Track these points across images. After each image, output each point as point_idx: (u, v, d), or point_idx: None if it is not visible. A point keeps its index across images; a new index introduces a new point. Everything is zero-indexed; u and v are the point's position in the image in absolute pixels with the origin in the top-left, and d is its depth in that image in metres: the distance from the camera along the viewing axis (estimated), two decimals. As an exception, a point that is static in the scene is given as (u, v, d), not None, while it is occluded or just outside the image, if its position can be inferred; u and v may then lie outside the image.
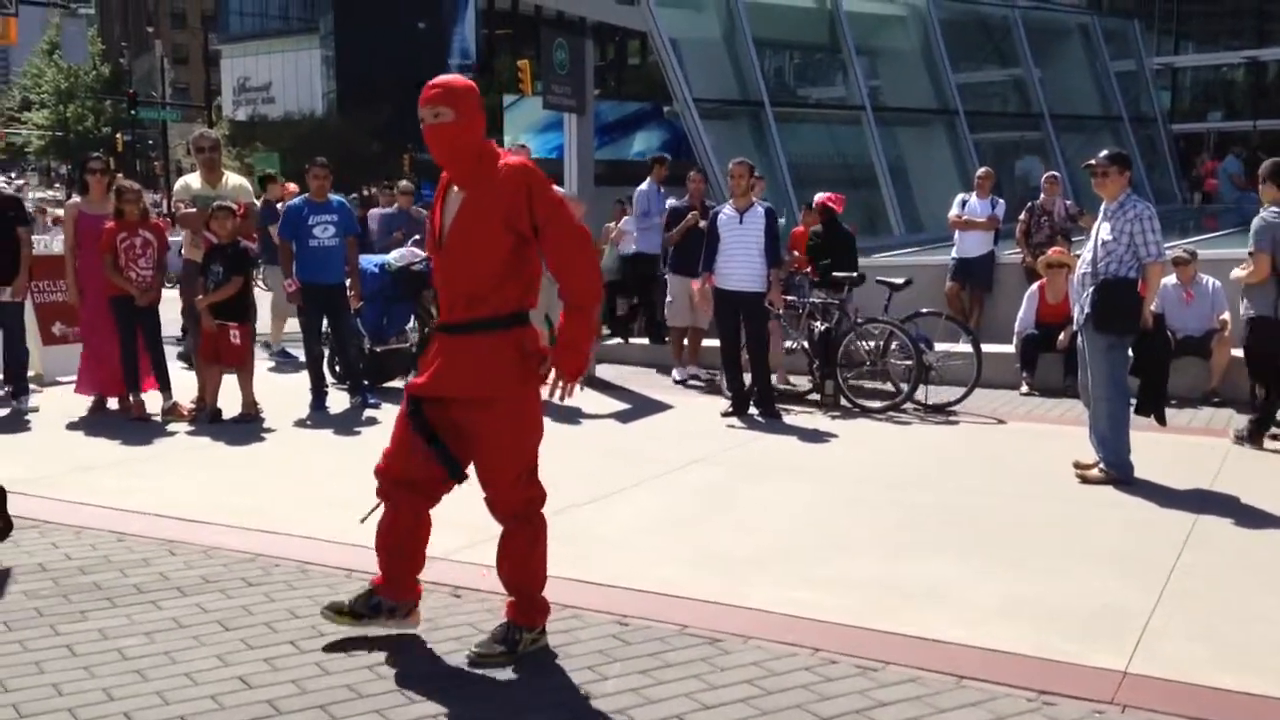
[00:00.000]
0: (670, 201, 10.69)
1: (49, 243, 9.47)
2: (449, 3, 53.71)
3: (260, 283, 11.34)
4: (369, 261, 9.60)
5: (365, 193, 34.10)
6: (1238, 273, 7.25)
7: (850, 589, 4.59)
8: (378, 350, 9.43)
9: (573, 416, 8.40)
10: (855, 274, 9.26)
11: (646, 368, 10.95)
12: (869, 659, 3.87)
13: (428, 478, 3.91)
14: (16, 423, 7.95)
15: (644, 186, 11.07)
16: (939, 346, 9.12)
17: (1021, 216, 11.90)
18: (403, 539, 4.00)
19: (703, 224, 9.30)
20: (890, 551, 5.13)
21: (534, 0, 12.72)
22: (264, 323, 10.44)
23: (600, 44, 10.51)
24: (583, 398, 9.24)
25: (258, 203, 9.05)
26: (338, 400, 8.68)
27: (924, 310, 9.38)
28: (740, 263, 8.44)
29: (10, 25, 22.24)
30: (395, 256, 9.69)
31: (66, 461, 6.69)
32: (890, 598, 4.50)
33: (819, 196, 10.34)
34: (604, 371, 10.45)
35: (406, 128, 46.89)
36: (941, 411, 8.51)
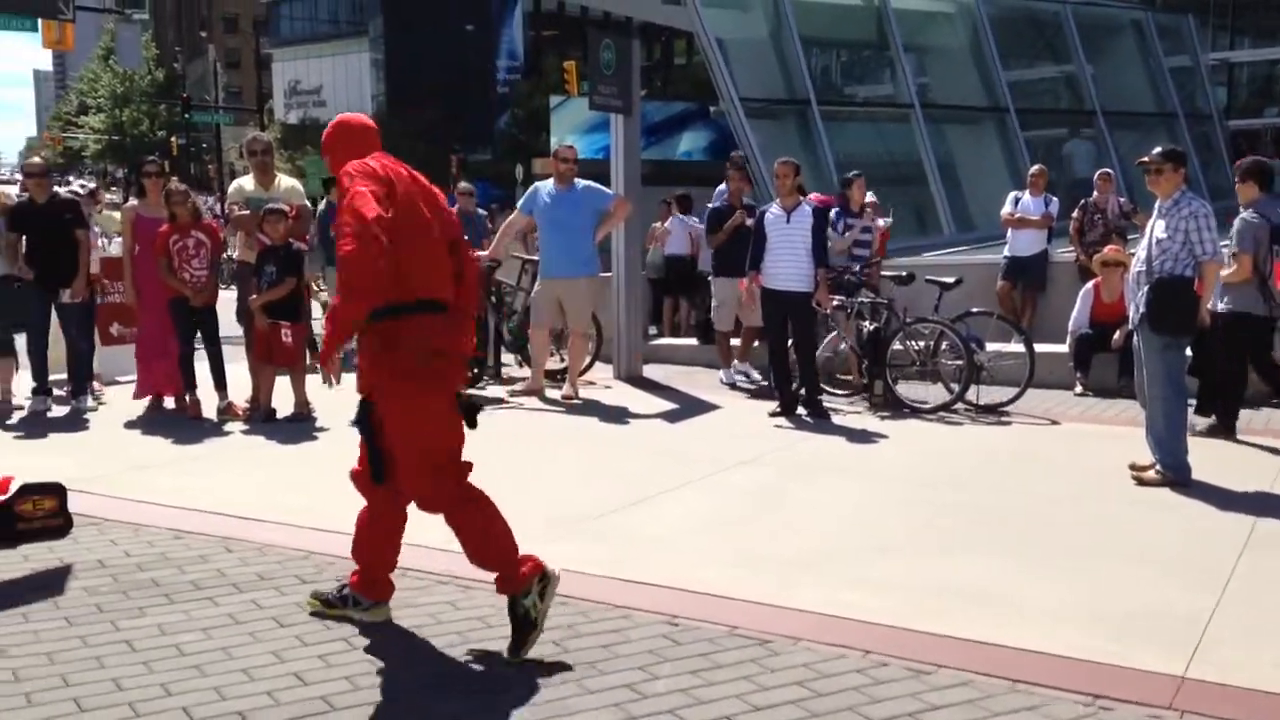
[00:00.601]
0: (710, 203, 10.66)
1: (106, 245, 9.66)
2: (496, 5, 54.00)
3: (319, 284, 11.51)
4: None
5: None
6: (1223, 273, 7.21)
7: (901, 591, 4.56)
8: None
9: (620, 416, 8.42)
10: (904, 273, 9.20)
11: (692, 367, 10.93)
12: (920, 661, 3.84)
13: None
14: (76, 422, 8.10)
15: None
16: (990, 346, 9.03)
17: (1075, 214, 11.76)
18: (381, 540, 4.12)
19: (749, 223, 9.28)
20: (942, 553, 5.09)
21: (580, 1, 12.79)
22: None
23: (646, 44, 10.52)
24: (630, 397, 9.27)
25: (309, 204, 9.16)
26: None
27: (975, 310, 9.28)
28: (787, 262, 8.41)
29: (67, 31, 22.70)
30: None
31: (124, 460, 6.81)
32: (942, 600, 4.46)
33: (813, 195, 10.66)
34: (651, 371, 10.45)
35: (454, 129, 47.37)
36: (993, 412, 8.42)
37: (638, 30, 10.70)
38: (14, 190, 9.16)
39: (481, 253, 10.00)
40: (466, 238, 10.58)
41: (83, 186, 10.69)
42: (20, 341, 8.57)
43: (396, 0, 57.02)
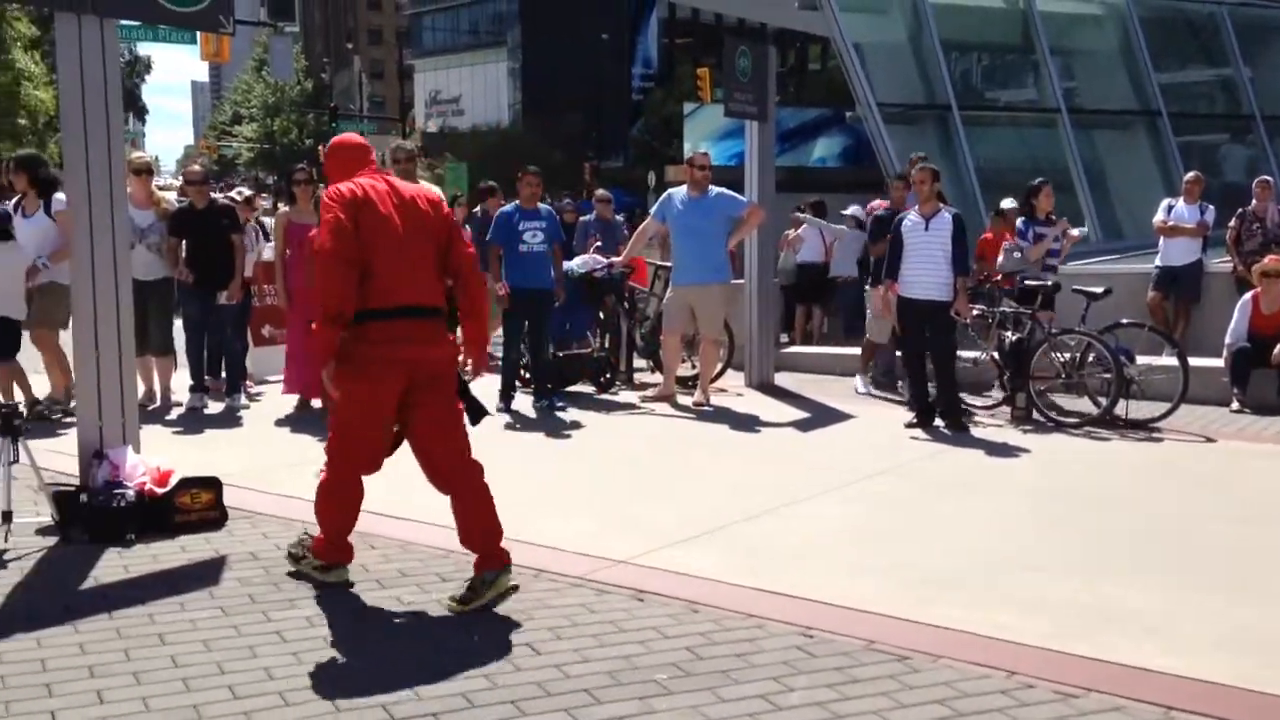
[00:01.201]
0: (861, 210, 10.54)
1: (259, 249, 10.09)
2: (632, 14, 54.44)
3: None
4: None
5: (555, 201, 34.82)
6: None
7: (1047, 611, 4.41)
8: (559, 355, 9.61)
9: (752, 424, 8.38)
10: (1050, 283, 8.93)
11: (824, 375, 10.80)
12: (1069, 685, 3.70)
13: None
14: (230, 419, 8.43)
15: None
16: (1141, 359, 8.69)
17: (1232, 223, 11.27)
18: (352, 510, 4.61)
19: None
20: (1090, 573, 4.91)
21: (715, 8, 12.78)
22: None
23: (780, 50, 10.46)
24: (762, 405, 9.21)
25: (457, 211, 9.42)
26: (522, 404, 8.88)
27: (1125, 321, 8.95)
28: (925, 270, 8.24)
29: (224, 44, 23.73)
30: (577, 264, 9.86)
31: (275, 456, 7.06)
32: (1091, 622, 4.30)
33: (870, 204, 11.11)
34: (783, 379, 10.37)
35: (589, 137, 47.92)
36: (1144, 428, 8.10)
37: (772, 36, 10.64)
38: (173, 195, 9.58)
39: (616, 258, 10.09)
40: (600, 244, 10.69)
41: (239, 194, 11.15)
42: (179, 341, 8.97)
43: (534, 11, 58.04)
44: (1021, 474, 6.96)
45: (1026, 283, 8.98)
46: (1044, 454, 7.44)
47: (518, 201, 8.92)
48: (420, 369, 4.36)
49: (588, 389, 9.66)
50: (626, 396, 9.51)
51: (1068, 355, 8.56)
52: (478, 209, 11.93)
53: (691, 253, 9.11)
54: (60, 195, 7.88)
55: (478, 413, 4.66)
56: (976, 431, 8.09)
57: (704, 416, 8.68)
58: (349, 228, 4.19)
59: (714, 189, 9.19)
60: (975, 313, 8.64)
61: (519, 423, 8.41)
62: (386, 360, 4.28)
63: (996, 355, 8.74)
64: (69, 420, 7.45)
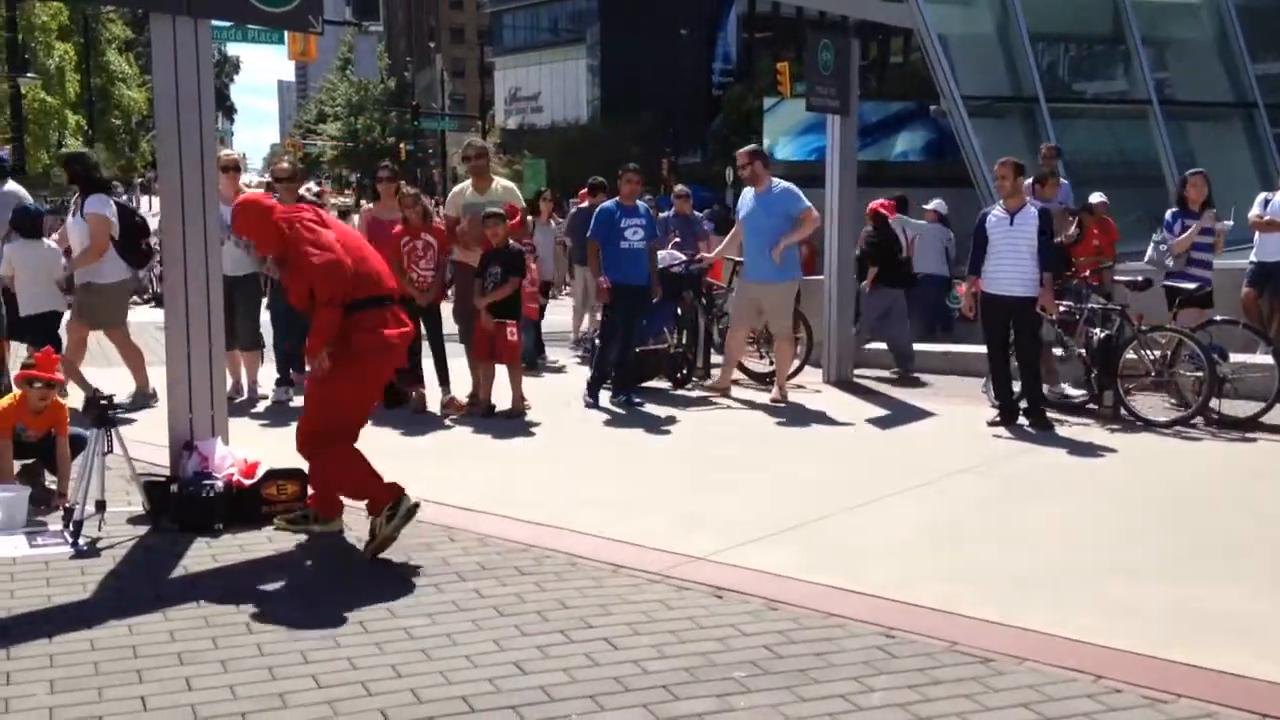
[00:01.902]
0: (944, 205, 10.37)
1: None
2: (711, 9, 54.24)
3: (568, 282, 11.97)
4: None
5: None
6: None
7: (1136, 615, 4.30)
8: (636, 351, 9.62)
9: (831, 421, 8.30)
10: (1139, 278, 8.70)
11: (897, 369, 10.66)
12: (1158, 690, 3.61)
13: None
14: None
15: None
16: (1235, 357, 8.43)
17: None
18: (365, 461, 5.12)
19: (1067, 234, 9.25)
20: (1181, 577, 4.78)
21: (795, 2, 12.68)
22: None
23: (862, 43, 10.34)
24: (841, 402, 9.13)
25: (525, 205, 9.50)
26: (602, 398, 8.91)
27: (1218, 318, 8.69)
28: (1010, 266, 8.08)
29: (311, 43, 24.18)
30: (663, 257, 9.86)
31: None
32: (1181, 626, 4.19)
33: (872, 203, 11.10)
34: (861, 376, 10.26)
35: (666, 133, 47.87)
36: (1237, 428, 7.86)
37: (854, 29, 10.53)
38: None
39: (694, 255, 10.07)
40: (679, 240, 10.67)
41: (308, 190, 11.25)
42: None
43: (613, 8, 58.12)
44: (1108, 474, 6.79)
45: (1165, 283, 8.74)
46: (1132, 454, 7.26)
47: (618, 198, 8.97)
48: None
49: (663, 385, 9.65)
50: (702, 392, 9.49)
51: (1158, 353, 8.34)
52: (585, 204, 12.12)
53: (756, 249, 9.09)
54: (99, 196, 8.04)
55: (396, 397, 5.70)
56: (1062, 430, 7.92)
57: (782, 413, 8.63)
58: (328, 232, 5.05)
59: (779, 184, 9.13)
60: (1062, 309, 8.46)
61: (596, 418, 8.43)
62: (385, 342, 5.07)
63: (1084, 353, 8.55)
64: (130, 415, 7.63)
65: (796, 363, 9.93)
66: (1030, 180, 9.84)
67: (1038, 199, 9.56)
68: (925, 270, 12.58)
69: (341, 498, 5.29)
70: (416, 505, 4.95)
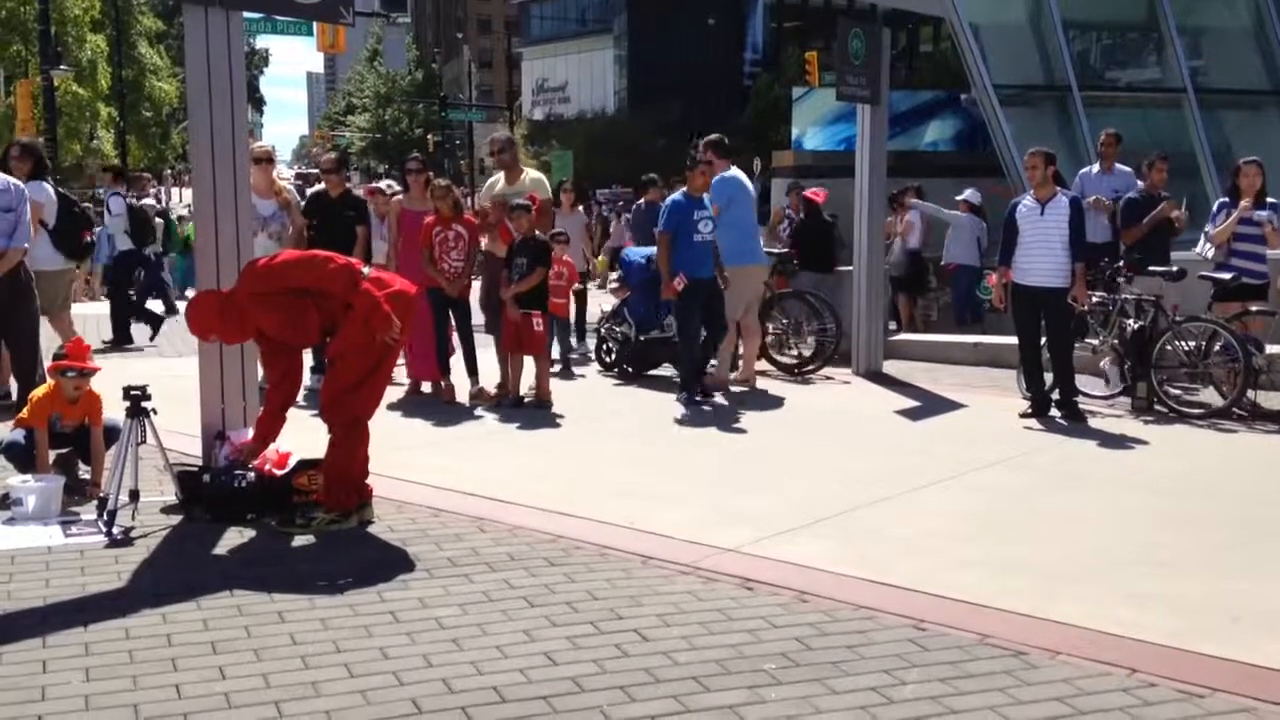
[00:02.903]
0: (978, 195, 10.30)
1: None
2: (740, -1, 54.12)
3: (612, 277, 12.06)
4: (636, 254, 9.89)
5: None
6: None
7: (1170, 608, 4.26)
8: (643, 339, 9.68)
9: (861, 413, 8.27)
10: (1174, 269, 8.60)
11: (932, 363, 10.61)
12: (1193, 684, 3.57)
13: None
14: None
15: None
16: (1271, 349, 8.32)
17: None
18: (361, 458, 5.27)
19: (1175, 214, 9.11)
20: (1217, 570, 4.73)
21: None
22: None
23: (891, 31, 10.25)
24: (871, 394, 9.09)
25: (552, 197, 9.52)
26: (641, 398, 8.91)
27: (1254, 309, 8.58)
28: (1041, 256, 8.01)
29: (340, 35, 24.27)
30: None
31: (388, 441, 7.14)
32: (1217, 620, 4.15)
33: (805, 191, 11.75)
34: (890, 367, 10.21)
35: (693, 123, 47.79)
36: (1273, 420, 7.76)
37: (883, 17, 10.47)
38: (289, 183, 9.82)
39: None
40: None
41: (388, 186, 11.00)
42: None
43: (641, -3, 58.02)
44: (1142, 466, 6.73)
45: (1201, 275, 8.63)
46: (1166, 446, 7.19)
47: (684, 190, 8.72)
48: None
49: (667, 372, 9.68)
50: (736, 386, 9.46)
51: (1193, 344, 8.25)
52: (642, 201, 12.25)
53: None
54: (36, 183, 7.93)
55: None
56: (1094, 422, 7.85)
57: (811, 405, 8.60)
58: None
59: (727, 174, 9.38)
60: (1095, 300, 8.38)
61: (624, 410, 8.43)
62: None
63: (1117, 344, 8.47)
64: None
65: (825, 354, 9.89)
66: (1145, 164, 9.63)
67: (1151, 189, 9.36)
68: (958, 261, 12.51)
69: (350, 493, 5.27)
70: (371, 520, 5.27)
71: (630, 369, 9.67)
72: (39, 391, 5.86)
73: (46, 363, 6.35)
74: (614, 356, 9.90)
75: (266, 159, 9.01)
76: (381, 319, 4.95)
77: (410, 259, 8.60)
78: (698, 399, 8.36)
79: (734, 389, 9.05)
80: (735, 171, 9.57)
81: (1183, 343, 8.24)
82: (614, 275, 10.16)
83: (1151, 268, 8.62)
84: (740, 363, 9.42)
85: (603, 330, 10.19)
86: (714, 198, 9.02)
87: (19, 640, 3.82)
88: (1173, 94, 17.02)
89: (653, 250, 9.84)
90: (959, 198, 13.09)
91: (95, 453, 5.74)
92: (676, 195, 8.86)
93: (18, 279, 6.92)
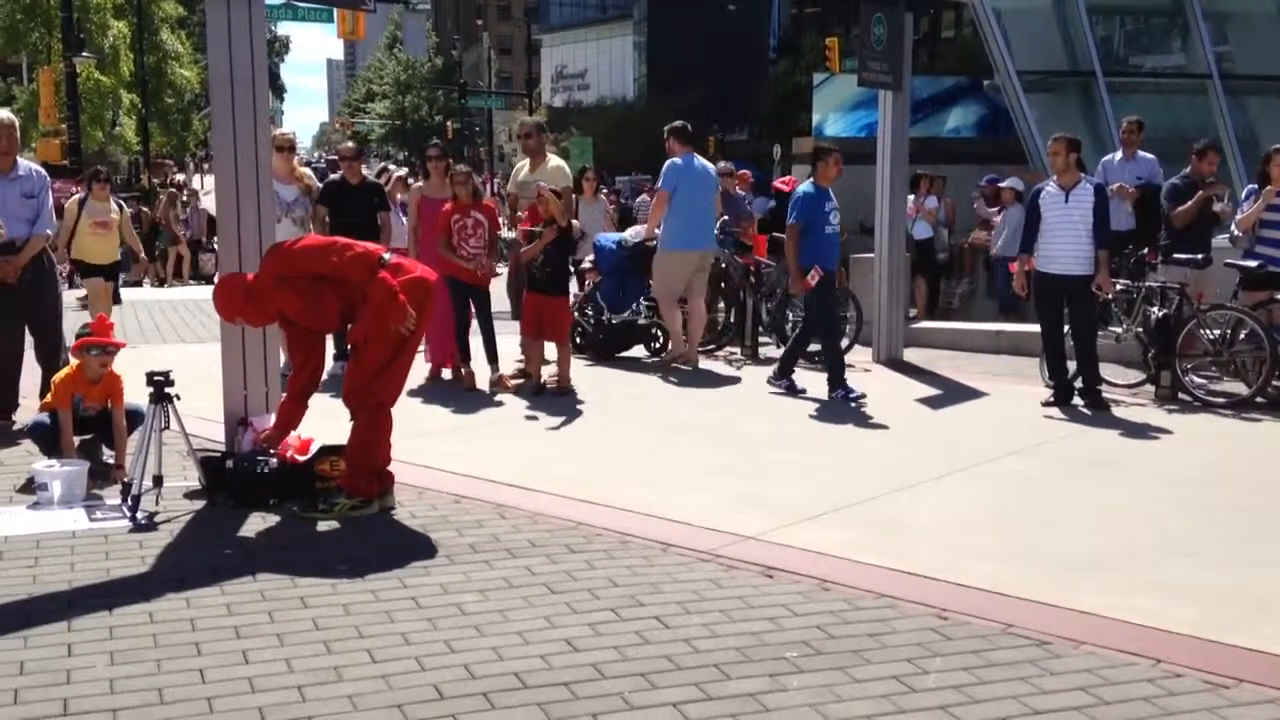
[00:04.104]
0: (1019, 182, 10.21)
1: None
2: (759, -17, 53.78)
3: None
4: (607, 239, 9.96)
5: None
6: None
7: (1196, 598, 4.23)
8: (614, 321, 9.74)
9: (881, 401, 8.23)
10: (1199, 256, 8.53)
11: (954, 351, 10.55)
12: (1219, 675, 3.55)
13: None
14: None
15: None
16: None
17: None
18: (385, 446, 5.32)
19: (1219, 206, 8.96)
20: (1243, 561, 4.69)
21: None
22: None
23: (913, 17, 10.16)
24: (892, 381, 9.05)
25: (571, 184, 9.56)
26: (751, 385, 8.89)
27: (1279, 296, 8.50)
28: (1065, 244, 7.94)
29: (360, 21, 24.26)
30: (631, 234, 10.09)
31: (409, 427, 7.14)
32: (1243, 610, 4.12)
33: (777, 180, 12.20)
34: (912, 355, 10.17)
35: (713, 110, 47.63)
36: (1298, 409, 7.70)
37: (905, 2, 10.40)
38: (308, 170, 9.84)
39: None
40: (725, 216, 10.70)
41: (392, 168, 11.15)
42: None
43: (660, -17, 57.84)
44: (1166, 455, 6.69)
45: (1226, 262, 8.54)
46: (1190, 435, 7.14)
47: (812, 180, 8.44)
48: None
49: (638, 354, 9.94)
50: (749, 371, 9.45)
51: (1217, 332, 8.18)
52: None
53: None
54: None
55: None
56: (1118, 411, 7.80)
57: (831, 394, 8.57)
58: None
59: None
60: (1119, 288, 8.31)
61: (644, 396, 8.42)
62: None
63: (1141, 332, 8.41)
64: None
65: (845, 341, 9.85)
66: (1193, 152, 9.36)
67: (1194, 173, 9.13)
68: (1006, 252, 12.22)
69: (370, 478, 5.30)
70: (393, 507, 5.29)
71: (601, 351, 9.77)
72: (61, 374, 5.90)
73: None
74: (585, 339, 9.95)
75: (289, 147, 9.06)
76: (397, 309, 4.96)
77: (430, 246, 8.60)
78: (849, 395, 8.00)
79: (679, 365, 9.29)
80: (698, 159, 9.60)
81: (1208, 331, 8.18)
82: (587, 260, 10.24)
83: (1176, 255, 8.54)
84: (681, 343, 9.54)
85: (575, 314, 10.26)
86: (662, 183, 9.31)
87: (44, 624, 3.85)
88: (1198, 80, 16.82)
89: (620, 236, 9.95)
90: (1003, 185, 12.93)
91: (118, 434, 5.78)
92: (806, 186, 8.50)
93: (41, 264, 6.96)
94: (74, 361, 5.88)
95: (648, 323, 9.96)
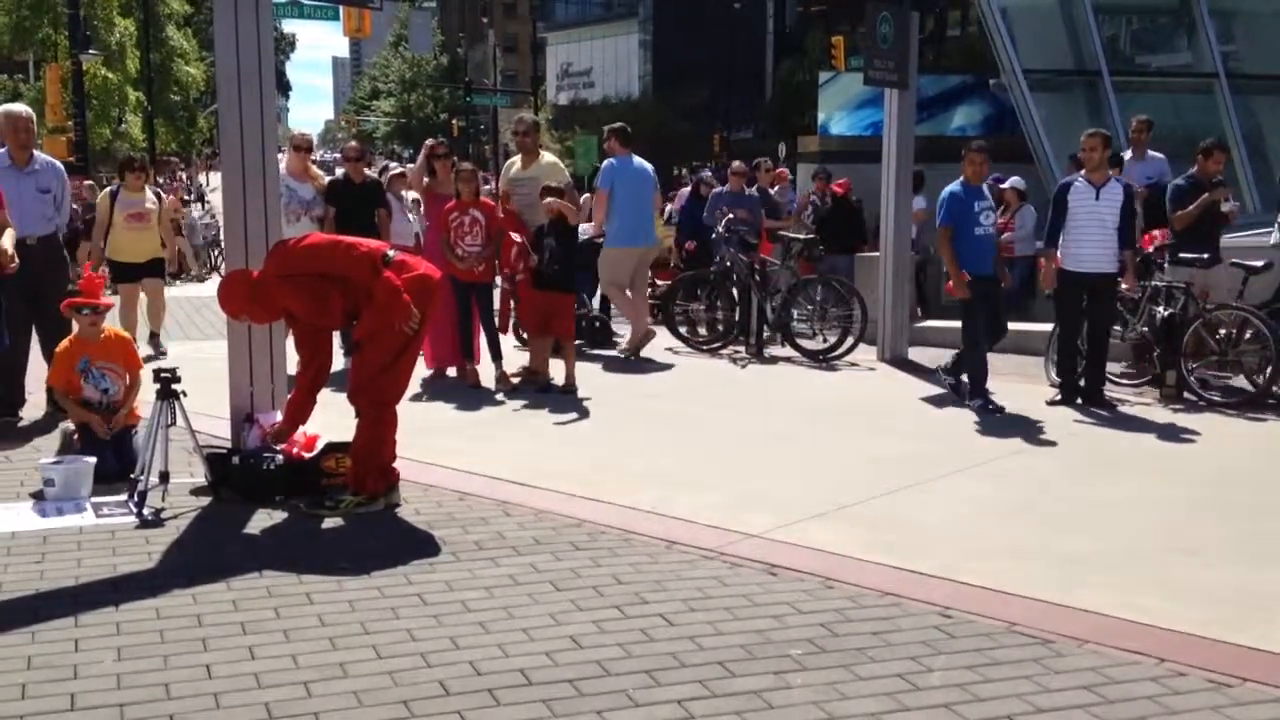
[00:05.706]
0: (1022, 182, 10.18)
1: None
2: (764, -19, 53.73)
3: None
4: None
5: (676, 172, 34.86)
6: None
7: (1200, 597, 4.23)
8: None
9: (885, 399, 8.24)
10: (1205, 256, 8.51)
11: (957, 350, 10.52)
12: (1223, 674, 3.56)
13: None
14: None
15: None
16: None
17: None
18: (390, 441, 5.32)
19: (1227, 206, 8.80)
20: (1247, 560, 4.69)
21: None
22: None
23: (919, 15, 10.15)
24: (896, 380, 9.05)
25: (571, 181, 9.68)
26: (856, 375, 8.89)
27: (1287, 295, 8.50)
28: (1095, 242, 7.85)
29: (366, 19, 24.27)
30: (583, 230, 10.12)
31: (412, 425, 7.13)
32: (1247, 609, 4.12)
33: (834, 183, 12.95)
34: (916, 354, 10.16)
35: (718, 108, 47.63)
36: (1304, 409, 7.69)
37: (910, 1, 10.40)
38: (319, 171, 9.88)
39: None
40: (731, 215, 10.68)
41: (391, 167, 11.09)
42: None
43: (666, -19, 57.80)
44: (1170, 454, 6.68)
45: (1232, 261, 8.52)
46: (1195, 434, 7.13)
47: (964, 179, 8.00)
48: None
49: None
50: (754, 370, 9.46)
51: (1223, 332, 8.16)
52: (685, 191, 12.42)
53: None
54: None
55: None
56: (1123, 410, 7.79)
57: (838, 391, 8.57)
58: None
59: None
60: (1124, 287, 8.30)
61: (649, 394, 8.43)
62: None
63: (1147, 330, 8.40)
64: None
65: (850, 340, 9.85)
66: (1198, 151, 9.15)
67: (1200, 173, 8.97)
68: (1024, 252, 12.14)
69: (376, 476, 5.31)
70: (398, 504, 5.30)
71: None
72: (62, 344, 5.93)
73: None
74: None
75: (307, 147, 9.26)
76: (400, 308, 4.97)
77: (436, 243, 8.61)
78: (990, 406, 7.68)
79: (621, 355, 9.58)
80: (636, 159, 9.91)
81: (1213, 330, 8.17)
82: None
83: (1182, 254, 8.53)
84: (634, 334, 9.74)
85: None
86: (600, 182, 9.65)
87: (52, 619, 3.87)
88: (1204, 79, 16.80)
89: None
90: (1004, 185, 12.86)
91: (132, 387, 5.92)
92: (954, 186, 8.04)
93: (54, 251, 7.00)
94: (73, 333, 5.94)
95: (596, 316, 10.44)
